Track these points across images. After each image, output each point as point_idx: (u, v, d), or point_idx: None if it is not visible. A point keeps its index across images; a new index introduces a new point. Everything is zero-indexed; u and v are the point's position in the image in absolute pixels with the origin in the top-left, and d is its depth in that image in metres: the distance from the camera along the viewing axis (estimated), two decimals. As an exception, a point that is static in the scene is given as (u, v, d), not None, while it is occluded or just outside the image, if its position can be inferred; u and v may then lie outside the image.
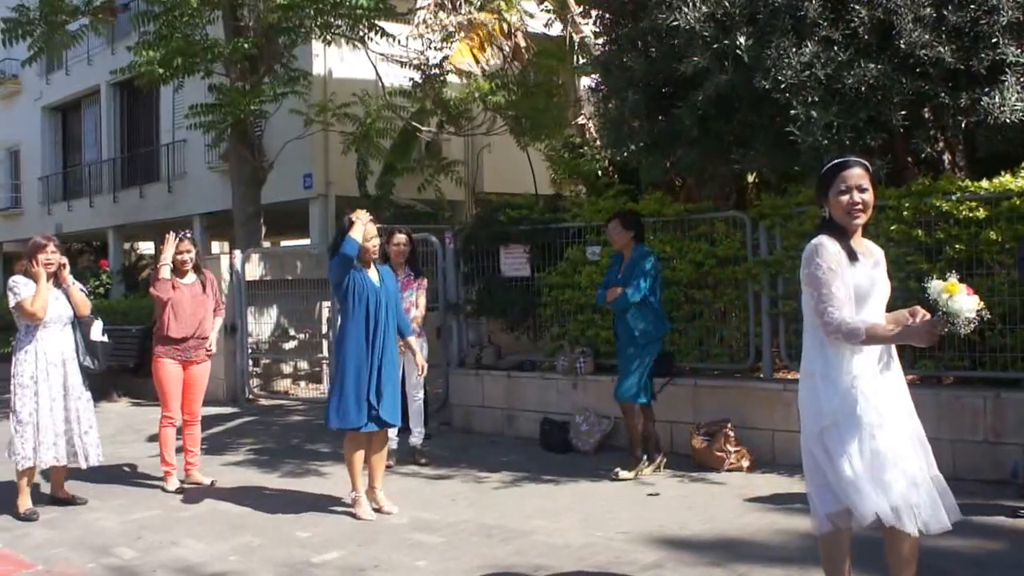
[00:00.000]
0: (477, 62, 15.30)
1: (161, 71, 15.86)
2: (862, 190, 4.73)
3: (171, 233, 9.47)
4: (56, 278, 8.53)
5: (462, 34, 15.90)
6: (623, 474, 9.02)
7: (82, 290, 8.83)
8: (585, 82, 15.68)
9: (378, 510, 7.99)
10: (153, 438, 12.09)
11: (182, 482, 9.32)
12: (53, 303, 8.41)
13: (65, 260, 8.61)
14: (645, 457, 9.22)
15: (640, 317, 9.00)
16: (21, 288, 8.33)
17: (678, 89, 9.33)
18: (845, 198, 4.69)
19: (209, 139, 19.57)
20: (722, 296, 10.22)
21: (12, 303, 8.37)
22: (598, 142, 13.86)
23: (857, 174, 4.74)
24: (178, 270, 9.41)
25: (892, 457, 4.58)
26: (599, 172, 13.79)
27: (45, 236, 8.65)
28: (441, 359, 12.76)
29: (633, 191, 11.63)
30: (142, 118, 30.76)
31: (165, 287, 9.21)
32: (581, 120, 15.91)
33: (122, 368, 16.70)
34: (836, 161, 4.84)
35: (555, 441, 10.59)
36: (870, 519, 4.56)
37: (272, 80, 17.15)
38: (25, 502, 8.41)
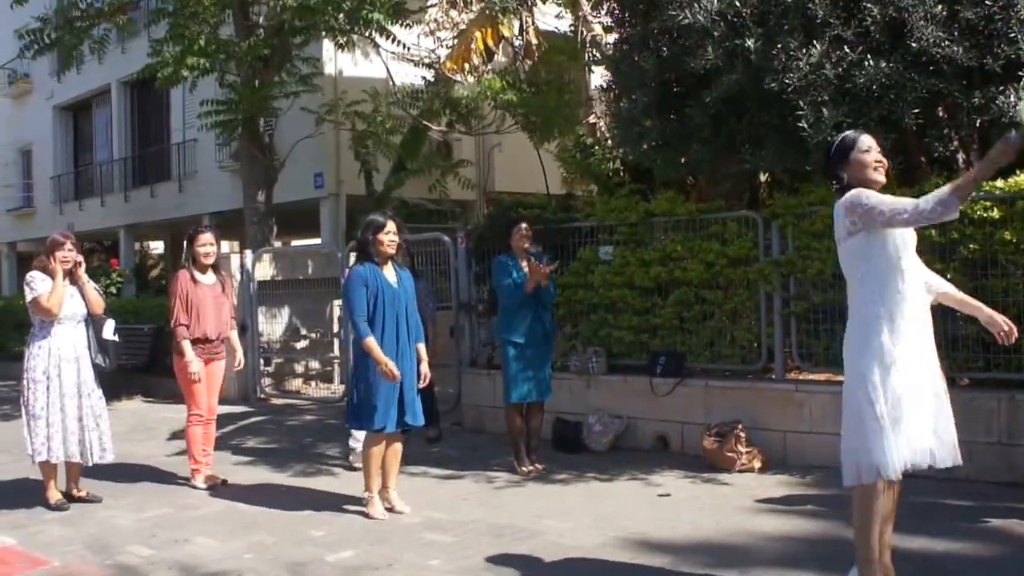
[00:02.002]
0: (482, 63, 15.32)
1: (185, 73, 15.88)
2: (879, 150, 5.10)
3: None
4: (72, 276, 8.62)
5: (476, 33, 15.94)
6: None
7: (96, 289, 8.89)
8: (596, 80, 15.69)
9: (390, 509, 8.02)
10: (175, 435, 12.19)
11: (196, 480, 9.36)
12: (68, 300, 8.51)
13: (81, 258, 8.69)
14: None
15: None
16: (38, 284, 8.43)
17: (690, 88, 9.38)
18: (869, 156, 5.00)
19: (220, 138, 19.61)
20: (734, 296, 10.21)
21: (28, 298, 8.47)
22: (609, 141, 13.87)
23: (872, 138, 5.15)
24: (199, 264, 9.38)
25: (910, 399, 4.96)
26: (611, 171, 13.79)
27: (63, 234, 8.75)
28: (453, 359, 12.79)
29: (645, 190, 11.63)
30: (153, 117, 30.79)
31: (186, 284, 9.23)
32: (592, 119, 15.93)
33: (134, 367, 16.81)
34: (849, 132, 5.26)
35: (567, 441, 10.61)
36: (896, 471, 4.98)
37: (287, 75, 17.18)
38: (54, 494, 8.58)
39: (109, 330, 8.73)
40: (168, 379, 16.81)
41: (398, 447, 8.22)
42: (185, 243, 9.59)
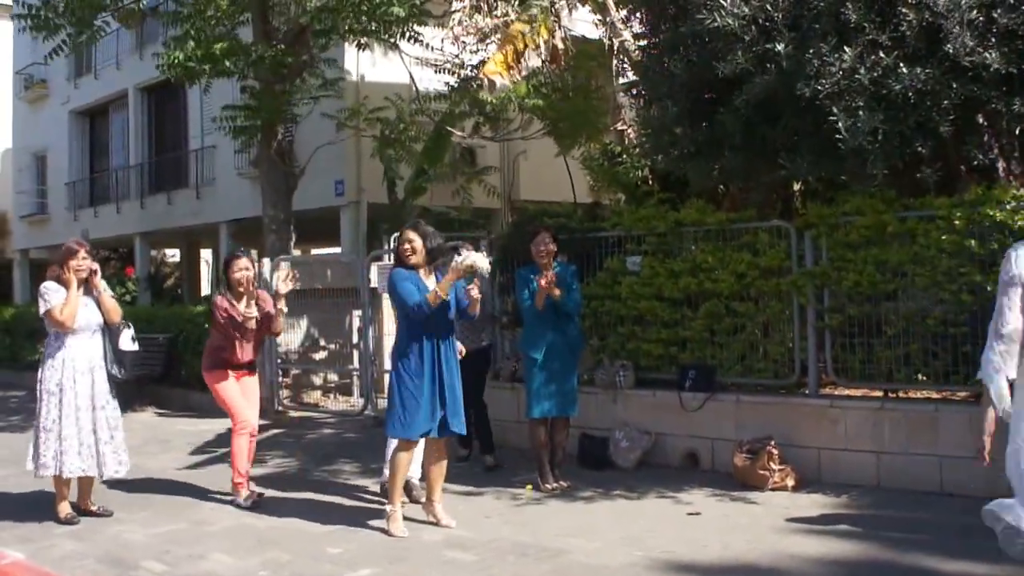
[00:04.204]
0: (509, 69, 15.31)
1: (200, 67, 15.94)
2: None
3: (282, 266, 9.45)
4: (87, 284, 8.63)
5: (496, 36, 15.95)
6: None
7: (112, 297, 8.90)
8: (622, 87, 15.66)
9: (435, 523, 8.09)
10: (198, 451, 12.24)
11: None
12: (82, 310, 8.52)
13: (96, 266, 8.70)
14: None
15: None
16: (51, 295, 8.44)
17: (721, 94, 9.34)
18: None
19: (238, 144, 19.66)
20: (766, 308, 10.16)
21: (42, 310, 8.48)
22: (638, 149, 13.85)
23: None
24: (235, 292, 9.23)
25: None
26: (639, 180, 13.76)
27: (77, 242, 8.78)
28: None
29: (674, 199, 11.60)
30: (170, 123, 30.94)
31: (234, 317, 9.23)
32: (620, 126, 15.90)
33: (147, 378, 16.87)
34: None
35: (594, 457, 10.58)
36: None
37: (309, 78, 17.23)
38: (64, 508, 8.59)
39: (126, 340, 8.73)
40: (182, 390, 17.00)
41: (442, 458, 8.25)
42: (221, 269, 9.61)
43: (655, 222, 10.94)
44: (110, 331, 8.71)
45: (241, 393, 9.44)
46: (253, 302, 9.24)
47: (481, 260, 7.84)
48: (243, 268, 9.20)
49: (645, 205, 11.53)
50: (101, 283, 8.74)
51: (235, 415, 9.34)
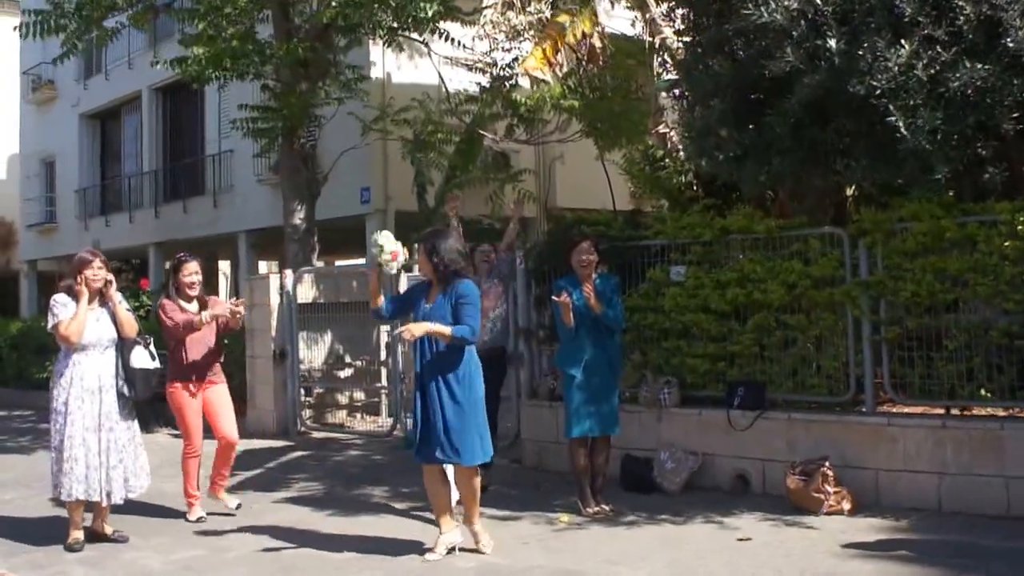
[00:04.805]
0: (550, 65, 15.39)
1: (210, 71, 16.11)
2: None
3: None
4: (102, 296, 8.69)
5: (531, 33, 16.03)
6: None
7: (128, 310, 8.96)
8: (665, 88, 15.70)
9: (475, 549, 8.17)
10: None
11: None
12: (93, 325, 8.56)
13: (112, 277, 8.76)
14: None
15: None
16: (60, 308, 8.49)
17: (768, 95, 9.37)
18: None
19: (258, 148, 19.79)
20: (818, 321, 10.17)
21: (50, 324, 8.55)
22: (681, 153, 13.89)
23: None
24: (184, 294, 9.70)
25: None
26: (683, 185, 13.81)
27: (91, 251, 8.83)
28: (511, 390, 12.85)
29: (720, 206, 11.63)
30: (186, 127, 31.12)
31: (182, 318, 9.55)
32: (663, 129, 15.94)
33: (162, 397, 16.99)
34: None
35: (637, 480, 10.62)
36: None
37: (331, 81, 17.34)
38: (73, 533, 8.65)
39: (139, 356, 8.72)
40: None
41: (473, 475, 8.24)
42: (169, 271, 9.99)
43: (700, 230, 10.98)
44: (123, 347, 8.74)
45: (212, 405, 9.77)
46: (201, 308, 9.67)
47: (387, 241, 8.04)
48: (193, 272, 9.65)
49: (689, 212, 11.58)
50: (116, 295, 8.80)
51: (187, 438, 9.77)
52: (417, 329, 7.90)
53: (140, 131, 32.70)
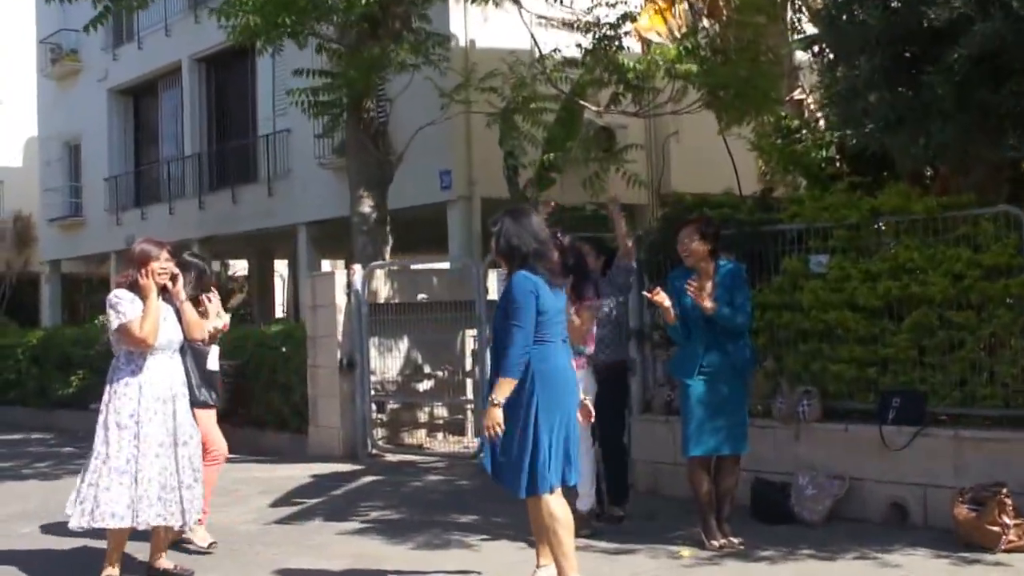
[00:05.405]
0: (664, 24, 15.39)
1: (263, 29, 16.22)
2: None
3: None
4: (166, 293, 8.73)
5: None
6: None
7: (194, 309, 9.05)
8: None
9: None
10: (277, 503, 12.49)
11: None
12: (161, 325, 8.56)
13: (179, 271, 8.82)
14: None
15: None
16: (126, 306, 8.47)
17: (928, 49, 9.30)
18: None
19: (320, 127, 19.91)
20: (991, 318, 10.07)
21: (114, 324, 8.54)
22: (822, 122, 13.82)
23: None
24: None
25: None
26: (823, 160, 13.74)
27: (157, 242, 8.83)
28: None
29: (869, 184, 11.57)
30: (235, 102, 31.35)
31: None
32: (798, 95, 15.88)
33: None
34: None
35: (771, 508, 10.60)
36: None
37: (405, 45, 17.40)
38: (107, 569, 8.61)
39: (214, 359, 8.84)
40: (253, 429, 17.29)
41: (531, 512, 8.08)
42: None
43: (845, 211, 10.95)
44: (193, 350, 8.84)
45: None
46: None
47: None
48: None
49: (832, 191, 11.55)
50: (183, 292, 8.84)
51: (208, 443, 9.78)
52: None
53: (180, 108, 32.95)
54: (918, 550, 9.17)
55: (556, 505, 7.66)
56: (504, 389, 7.56)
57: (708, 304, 9.30)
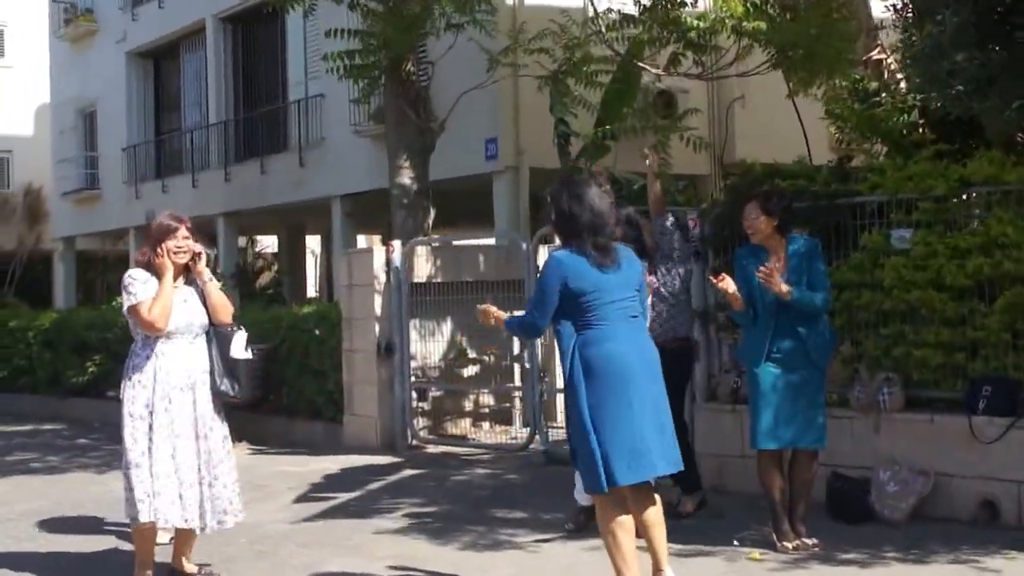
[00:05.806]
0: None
1: None
2: None
3: None
4: (188, 273, 8.67)
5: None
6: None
7: (221, 288, 8.96)
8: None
9: None
10: (306, 498, 12.49)
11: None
12: (181, 307, 8.51)
13: (200, 248, 8.72)
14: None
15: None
16: (138, 287, 8.42)
17: (1020, 2, 9.22)
18: None
19: (356, 91, 19.88)
20: (1093, 299, 10.02)
21: (126, 305, 8.52)
22: (903, 84, 13.71)
23: None
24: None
25: None
26: (906, 127, 13.64)
27: (175, 216, 8.73)
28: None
29: (957, 152, 11.47)
30: (264, 66, 31.41)
31: None
32: (877, 55, 15.76)
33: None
34: None
35: (849, 506, 10.56)
36: None
37: (447, 2, 17.36)
38: (140, 572, 8.58)
39: (239, 345, 8.70)
40: (283, 419, 17.32)
41: (653, 509, 7.91)
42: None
43: (931, 182, 10.86)
44: (218, 334, 8.69)
45: None
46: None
47: None
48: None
49: (916, 159, 11.45)
50: (206, 271, 8.76)
51: None
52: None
53: (204, 72, 33.08)
54: (1013, 553, 9.08)
55: (612, 505, 7.56)
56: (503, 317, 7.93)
57: (784, 288, 9.18)
